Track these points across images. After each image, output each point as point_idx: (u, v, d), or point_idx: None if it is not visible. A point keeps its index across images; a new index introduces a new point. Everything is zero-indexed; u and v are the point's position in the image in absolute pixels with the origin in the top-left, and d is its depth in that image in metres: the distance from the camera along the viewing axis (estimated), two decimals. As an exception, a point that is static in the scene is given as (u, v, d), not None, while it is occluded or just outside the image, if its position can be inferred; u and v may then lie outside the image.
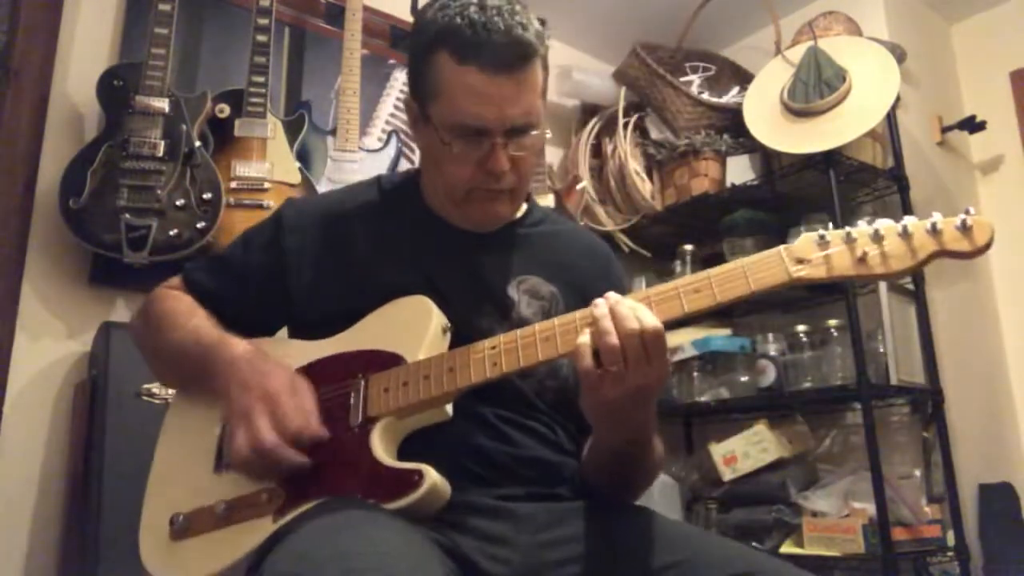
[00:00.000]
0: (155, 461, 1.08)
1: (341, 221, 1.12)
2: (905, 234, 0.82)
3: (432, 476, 0.85)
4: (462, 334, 0.99)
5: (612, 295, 0.88)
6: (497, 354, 0.91)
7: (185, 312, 1.09)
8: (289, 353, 1.03)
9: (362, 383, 0.95)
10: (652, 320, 0.85)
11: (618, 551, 0.91)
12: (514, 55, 0.98)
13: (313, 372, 0.99)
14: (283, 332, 1.17)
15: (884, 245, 0.82)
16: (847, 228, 0.84)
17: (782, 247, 0.86)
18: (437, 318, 0.98)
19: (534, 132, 1.03)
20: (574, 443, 1.07)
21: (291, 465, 0.89)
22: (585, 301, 1.07)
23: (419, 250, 1.09)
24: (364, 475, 0.88)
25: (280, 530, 0.83)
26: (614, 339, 0.84)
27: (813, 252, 0.84)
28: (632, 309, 0.85)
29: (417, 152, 2.47)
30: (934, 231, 0.81)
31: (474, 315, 1.03)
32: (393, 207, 1.14)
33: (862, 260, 0.83)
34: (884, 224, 0.84)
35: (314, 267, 1.09)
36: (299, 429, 0.90)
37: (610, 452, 0.99)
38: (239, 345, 1.01)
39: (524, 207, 1.18)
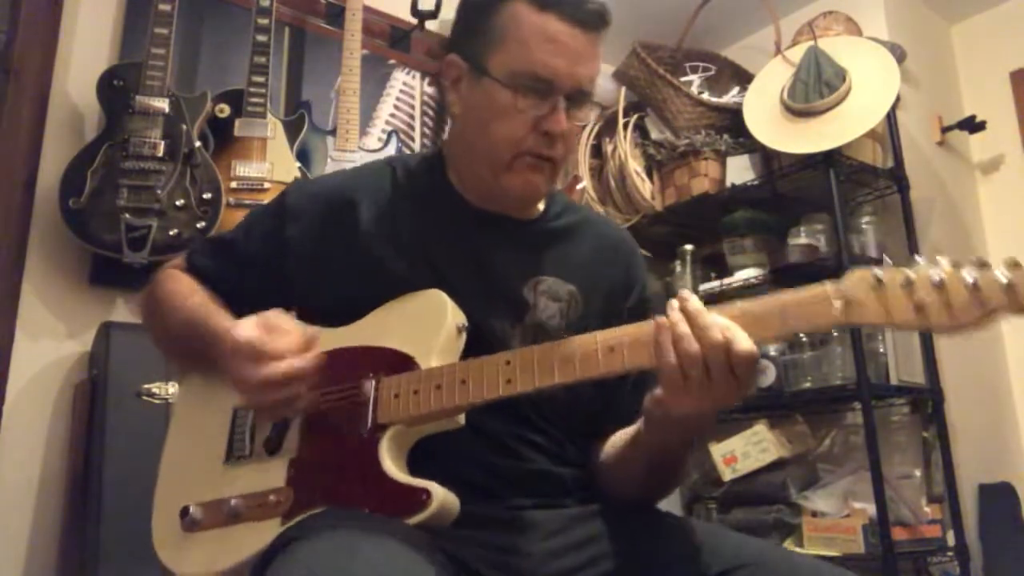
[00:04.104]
0: (166, 447, 1.07)
1: (348, 207, 1.06)
2: (974, 287, 0.72)
3: (439, 496, 0.83)
4: (473, 334, 0.95)
5: (687, 299, 0.81)
6: (512, 370, 0.86)
7: (183, 292, 1.06)
8: None
9: (372, 385, 0.93)
10: (744, 343, 0.78)
11: (632, 553, 0.89)
12: (595, 13, 0.98)
13: (325, 365, 0.96)
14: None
15: (947, 295, 0.73)
16: (905, 269, 0.76)
17: (828, 284, 0.78)
18: (452, 316, 0.94)
19: (591, 104, 1.01)
20: (583, 454, 1.04)
21: (282, 373, 0.85)
22: (606, 298, 1.05)
23: (431, 240, 1.04)
24: (372, 487, 0.87)
25: (286, 537, 0.81)
26: (693, 345, 0.78)
27: (866, 294, 0.76)
28: (715, 322, 0.79)
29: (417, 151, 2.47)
30: (1009, 288, 0.72)
31: (486, 315, 0.99)
32: (406, 192, 1.08)
33: (921, 309, 0.74)
34: (946, 267, 0.74)
35: (316, 256, 1.05)
36: (273, 350, 0.86)
37: (660, 450, 0.94)
38: (222, 326, 0.96)
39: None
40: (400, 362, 0.93)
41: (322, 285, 1.04)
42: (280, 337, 0.88)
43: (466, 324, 0.95)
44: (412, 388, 0.90)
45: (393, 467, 0.87)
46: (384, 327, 0.97)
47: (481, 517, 0.90)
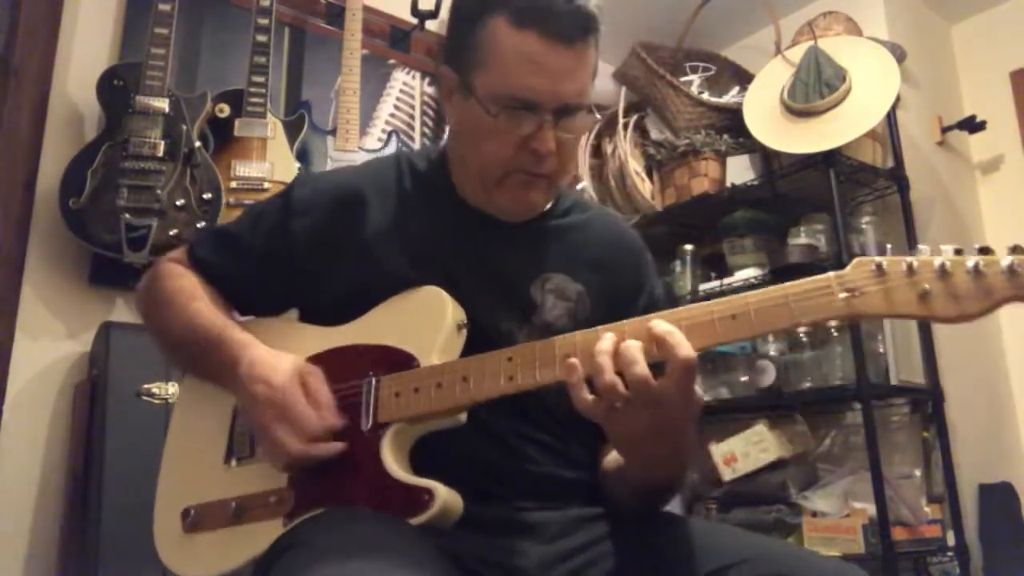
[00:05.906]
0: (167, 446, 1.07)
1: (356, 202, 1.04)
2: (976, 272, 0.71)
3: (442, 496, 0.83)
4: (479, 336, 0.94)
5: (622, 336, 0.81)
6: (514, 367, 0.86)
7: (188, 293, 1.05)
8: (303, 338, 1.01)
9: (372, 384, 0.92)
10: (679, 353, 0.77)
11: (635, 553, 0.89)
12: (577, 26, 0.92)
13: (324, 363, 0.96)
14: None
15: (951, 283, 0.72)
16: (907, 257, 0.74)
17: (832, 274, 0.77)
18: (452, 313, 0.93)
19: (585, 114, 0.98)
20: (590, 454, 1.03)
21: (328, 456, 0.88)
22: (614, 301, 1.03)
23: (437, 239, 1.03)
24: (374, 487, 0.86)
25: (281, 545, 0.81)
26: (608, 376, 0.78)
27: (868, 282, 0.75)
28: (637, 351, 0.78)
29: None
30: (1011, 272, 0.70)
31: (493, 316, 0.98)
32: (413, 189, 1.07)
33: (924, 298, 0.72)
34: (950, 257, 0.72)
35: (322, 252, 1.03)
36: (315, 429, 0.88)
37: (638, 479, 0.94)
38: (240, 342, 0.97)
39: None
40: (400, 360, 0.92)
41: (326, 282, 1.03)
42: (323, 411, 0.90)
43: (466, 321, 0.94)
44: (413, 386, 0.89)
45: (395, 465, 0.87)
46: (383, 325, 0.97)
47: (483, 519, 0.89)
